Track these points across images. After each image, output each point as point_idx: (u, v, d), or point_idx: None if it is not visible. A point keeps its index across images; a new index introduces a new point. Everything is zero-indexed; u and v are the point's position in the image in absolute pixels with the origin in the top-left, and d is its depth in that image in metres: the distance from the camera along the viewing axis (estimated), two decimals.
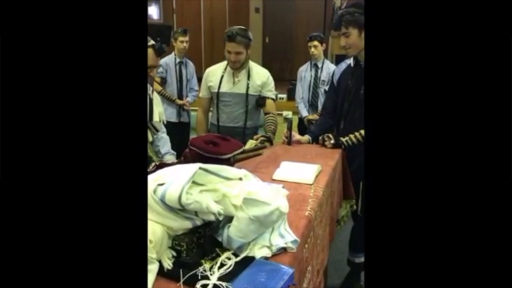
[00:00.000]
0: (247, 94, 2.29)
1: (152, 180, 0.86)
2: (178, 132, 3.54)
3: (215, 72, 2.35)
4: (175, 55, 3.61)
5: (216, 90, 2.32)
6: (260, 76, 2.33)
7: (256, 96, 2.33)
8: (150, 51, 1.61)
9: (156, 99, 1.87)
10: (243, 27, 2.24)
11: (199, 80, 3.93)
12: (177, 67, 3.62)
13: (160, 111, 1.86)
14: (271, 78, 2.38)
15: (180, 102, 3.65)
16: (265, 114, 2.38)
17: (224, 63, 2.36)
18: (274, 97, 2.41)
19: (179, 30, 3.58)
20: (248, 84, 2.29)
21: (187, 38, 3.56)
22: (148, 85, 1.82)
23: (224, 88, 2.31)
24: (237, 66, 2.26)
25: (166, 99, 3.56)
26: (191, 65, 3.78)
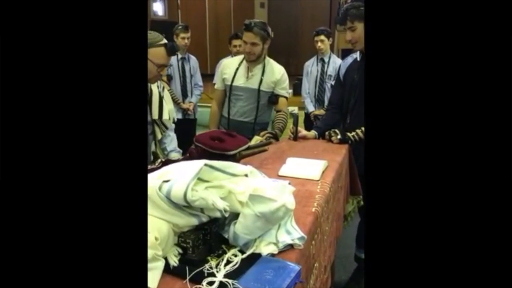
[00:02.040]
0: (259, 90, 2.28)
1: (157, 177, 0.85)
2: (184, 129, 3.54)
3: (230, 65, 2.36)
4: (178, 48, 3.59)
5: (229, 83, 2.32)
6: (275, 73, 2.31)
7: (269, 93, 2.31)
8: (162, 50, 1.61)
9: (167, 96, 1.88)
10: (263, 21, 2.25)
11: (203, 76, 3.94)
12: (180, 63, 3.61)
13: (170, 109, 1.87)
14: (286, 76, 2.36)
15: (184, 106, 3.64)
16: (277, 111, 2.36)
17: (241, 57, 2.36)
18: (287, 95, 2.39)
19: (180, 26, 3.56)
20: (261, 79, 2.28)
21: (188, 35, 3.54)
22: (159, 83, 1.83)
23: (238, 82, 2.31)
24: (252, 59, 2.25)
25: (173, 100, 3.55)
26: (193, 60, 3.75)
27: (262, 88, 2.29)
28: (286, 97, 2.37)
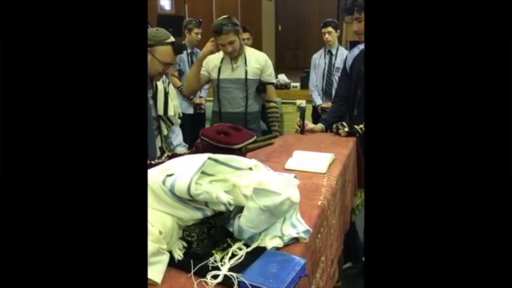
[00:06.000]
0: (246, 79, 2.31)
1: (161, 171, 0.85)
2: (194, 123, 3.56)
3: (213, 60, 2.37)
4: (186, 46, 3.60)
5: (216, 77, 2.35)
6: (258, 60, 2.35)
7: (256, 81, 2.35)
8: (169, 49, 1.61)
9: (172, 92, 1.88)
10: (226, 16, 2.24)
11: None
12: (189, 57, 3.63)
13: (175, 104, 1.87)
14: (269, 62, 2.39)
15: (197, 101, 3.66)
16: (267, 101, 2.40)
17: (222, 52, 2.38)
18: (274, 81, 2.42)
19: (194, 22, 3.58)
20: (246, 68, 2.31)
21: (201, 30, 3.58)
22: (165, 78, 1.83)
23: (224, 75, 2.34)
24: (235, 55, 2.29)
25: (184, 96, 3.57)
26: None
27: (248, 76, 2.32)
28: (273, 84, 2.41)
